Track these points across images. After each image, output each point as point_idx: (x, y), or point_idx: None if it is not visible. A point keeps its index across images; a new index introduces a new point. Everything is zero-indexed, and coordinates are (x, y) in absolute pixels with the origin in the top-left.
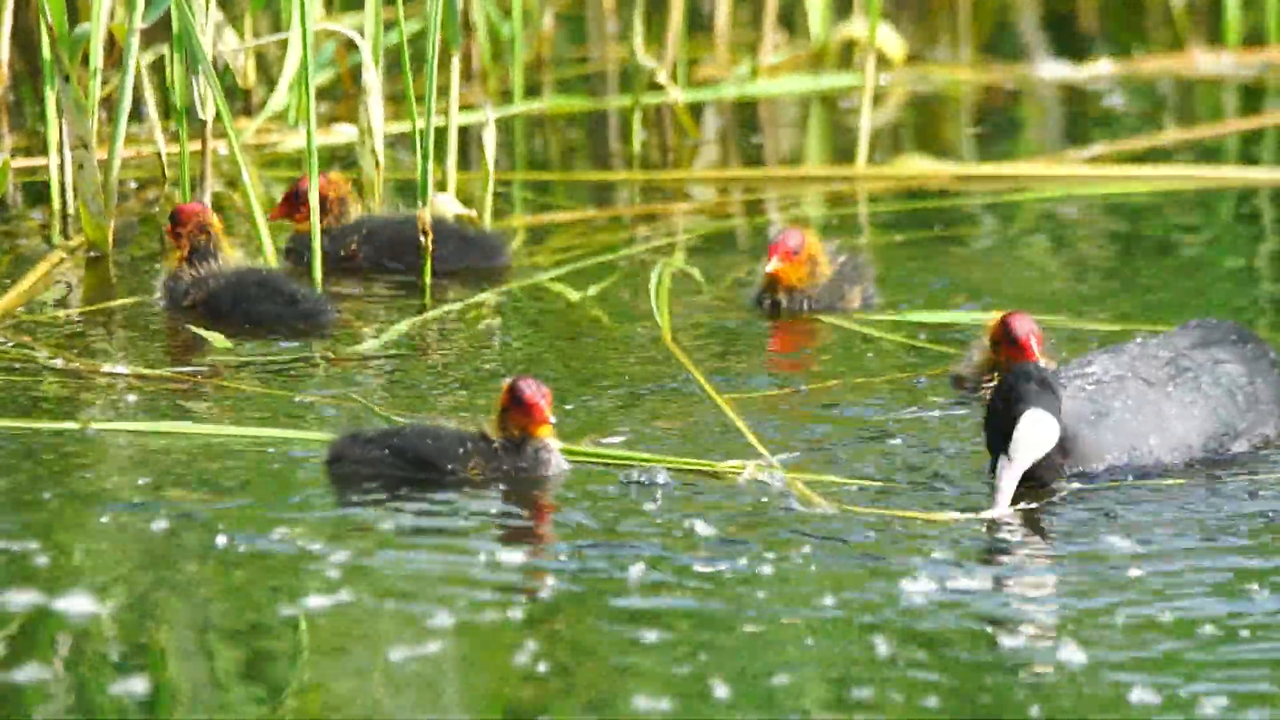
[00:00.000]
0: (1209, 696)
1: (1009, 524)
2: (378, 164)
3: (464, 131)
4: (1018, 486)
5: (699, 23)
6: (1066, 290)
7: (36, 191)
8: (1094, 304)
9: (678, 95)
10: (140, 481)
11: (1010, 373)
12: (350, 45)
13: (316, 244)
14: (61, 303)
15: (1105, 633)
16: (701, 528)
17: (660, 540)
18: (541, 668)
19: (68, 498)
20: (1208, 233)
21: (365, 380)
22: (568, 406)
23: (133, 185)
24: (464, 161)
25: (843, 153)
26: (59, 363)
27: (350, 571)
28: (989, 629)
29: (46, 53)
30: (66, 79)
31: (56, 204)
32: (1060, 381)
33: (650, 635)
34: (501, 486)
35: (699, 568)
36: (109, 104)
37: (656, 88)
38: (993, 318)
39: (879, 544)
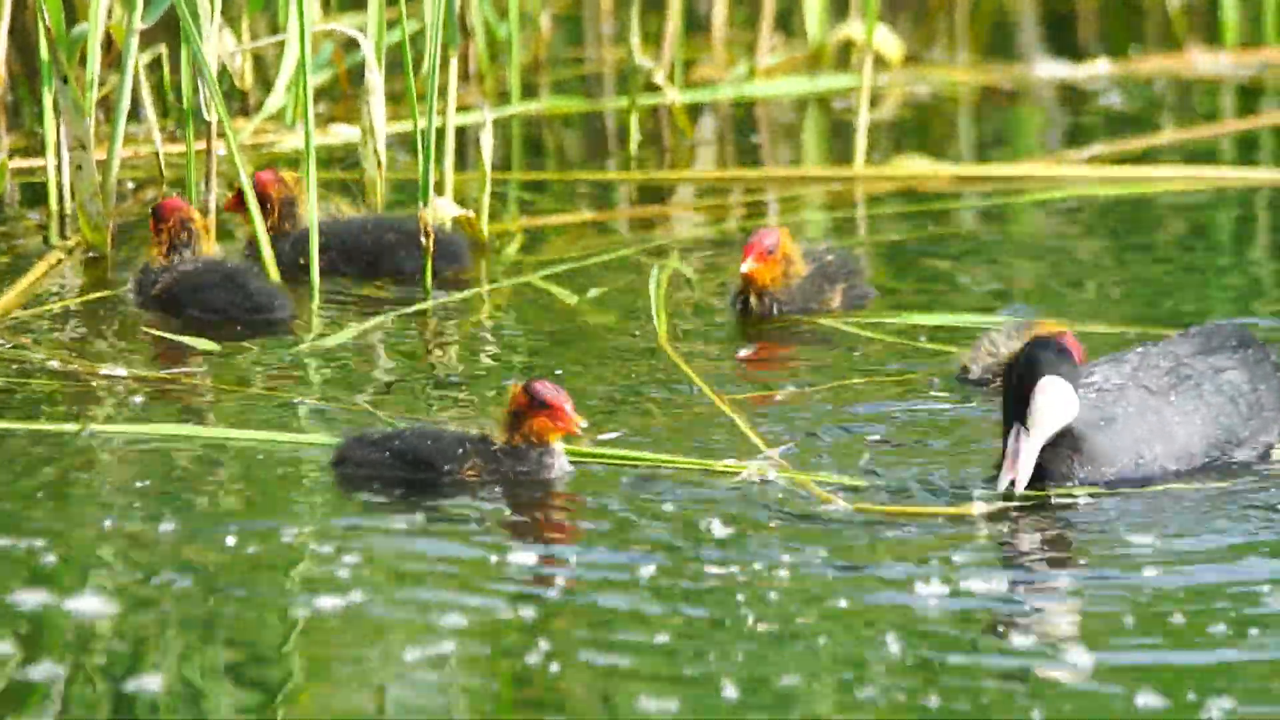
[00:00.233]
0: (1215, 700)
1: (1018, 524)
2: (380, 164)
3: (461, 132)
4: (1027, 487)
5: (696, 24)
6: (1067, 290)
7: (34, 192)
8: (1093, 304)
9: (675, 96)
10: (145, 483)
11: (1029, 342)
12: (348, 46)
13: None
14: (59, 303)
15: (1113, 636)
16: (711, 527)
17: (669, 540)
18: (551, 668)
19: (73, 499)
20: (1207, 233)
21: (365, 382)
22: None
23: (130, 186)
24: (461, 162)
25: (840, 153)
26: (55, 364)
27: (357, 572)
28: (999, 630)
29: (44, 53)
30: (64, 79)
31: (54, 204)
32: None
33: (660, 637)
34: (507, 488)
35: (710, 569)
36: (107, 104)
37: (654, 89)
38: (992, 318)
39: (890, 544)
